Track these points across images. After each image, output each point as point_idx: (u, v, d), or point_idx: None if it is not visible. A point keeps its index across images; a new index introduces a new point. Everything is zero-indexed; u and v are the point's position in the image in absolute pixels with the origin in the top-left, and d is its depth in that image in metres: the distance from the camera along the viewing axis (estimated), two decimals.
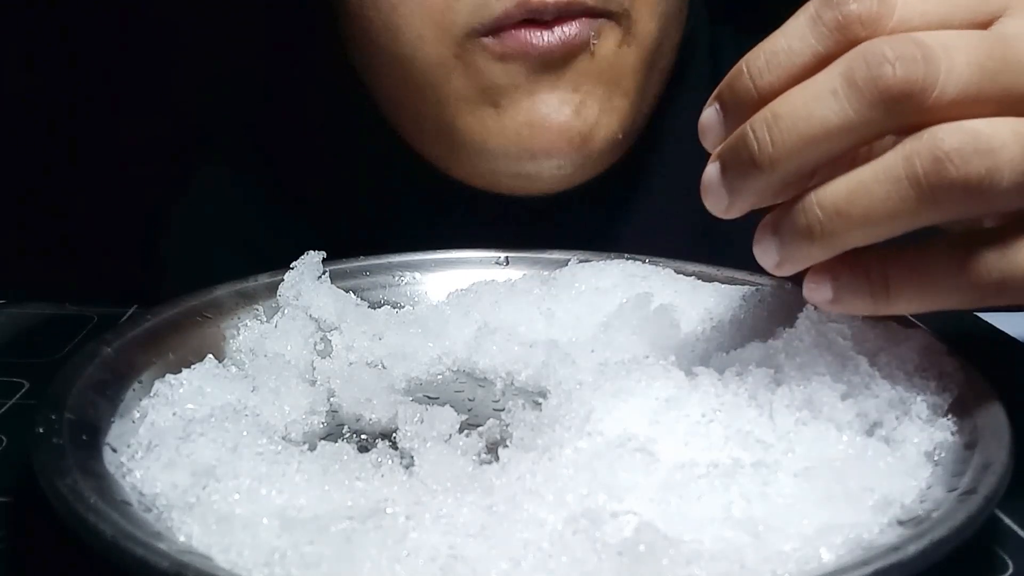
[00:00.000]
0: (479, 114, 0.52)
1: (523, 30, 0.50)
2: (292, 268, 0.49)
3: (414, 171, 0.58)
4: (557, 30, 0.50)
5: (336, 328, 0.49)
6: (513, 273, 0.52)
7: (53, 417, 0.36)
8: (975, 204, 0.32)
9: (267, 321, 0.48)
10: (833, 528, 0.31)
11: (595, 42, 0.51)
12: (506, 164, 0.54)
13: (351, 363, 0.48)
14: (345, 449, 0.37)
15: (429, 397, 0.46)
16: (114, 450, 0.37)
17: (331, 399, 0.45)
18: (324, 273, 0.50)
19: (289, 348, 0.46)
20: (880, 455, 0.34)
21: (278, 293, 0.49)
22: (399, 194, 0.62)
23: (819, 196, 0.33)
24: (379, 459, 0.38)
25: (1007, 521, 0.37)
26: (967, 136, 0.31)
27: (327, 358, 0.48)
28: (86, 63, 0.64)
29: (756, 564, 0.30)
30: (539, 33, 0.50)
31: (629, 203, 0.59)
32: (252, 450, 0.34)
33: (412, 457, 0.39)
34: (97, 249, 0.65)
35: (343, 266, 0.52)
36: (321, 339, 0.49)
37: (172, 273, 0.48)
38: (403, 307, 0.52)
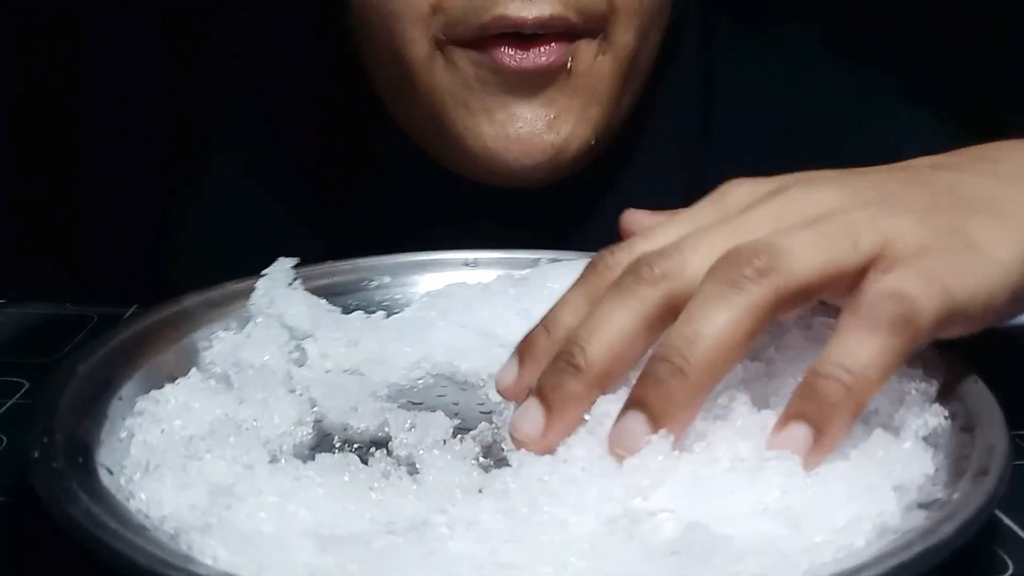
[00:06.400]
0: (460, 113, 0.53)
1: (500, 47, 0.51)
2: (263, 275, 0.48)
3: (415, 165, 0.59)
4: (532, 54, 0.51)
5: (310, 335, 0.47)
6: (482, 274, 0.52)
7: (46, 440, 0.34)
8: None
9: (239, 331, 0.46)
10: (861, 517, 0.32)
11: (571, 65, 0.52)
12: (484, 164, 0.55)
13: (327, 371, 0.47)
14: (352, 460, 0.36)
15: (413, 403, 0.45)
16: (110, 472, 0.35)
17: (314, 408, 0.43)
18: (296, 279, 0.48)
19: (266, 358, 0.45)
20: (889, 443, 0.35)
21: (250, 301, 0.47)
22: (402, 188, 0.63)
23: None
24: (387, 469, 0.37)
25: (1007, 521, 0.38)
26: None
27: (303, 367, 0.47)
28: (86, 62, 0.63)
29: (796, 555, 0.30)
30: (513, 53, 0.51)
31: (614, 193, 0.60)
32: (271, 466, 0.33)
33: (415, 465, 0.38)
34: (97, 249, 0.64)
35: (309, 270, 0.50)
36: (295, 347, 0.47)
37: (178, 271, 0.47)
38: (374, 311, 0.50)
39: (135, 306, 0.53)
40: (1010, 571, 0.35)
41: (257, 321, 0.46)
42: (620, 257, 0.38)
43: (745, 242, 0.35)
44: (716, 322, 0.34)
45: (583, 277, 0.39)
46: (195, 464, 0.34)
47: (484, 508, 0.33)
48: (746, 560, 0.29)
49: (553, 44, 0.51)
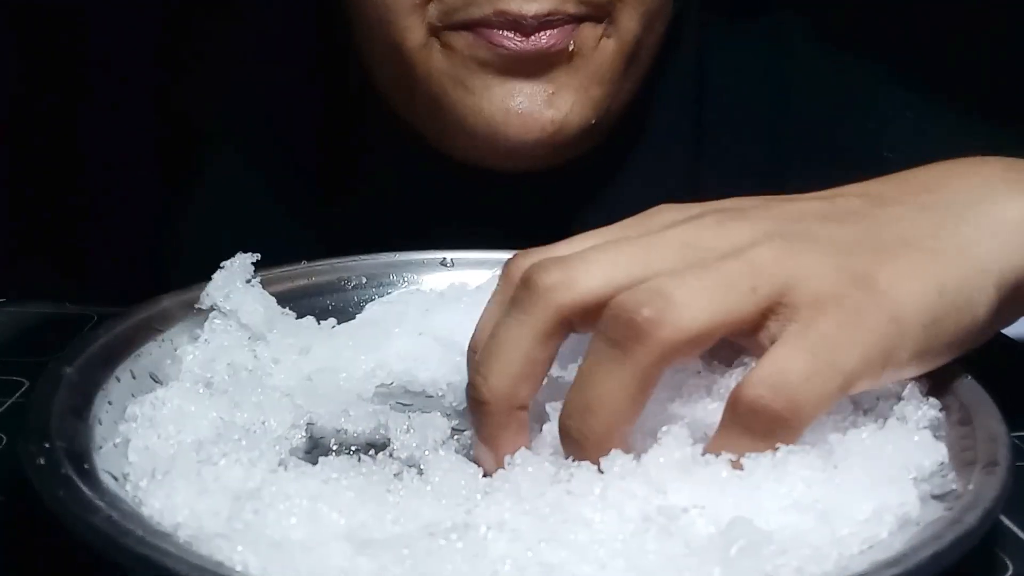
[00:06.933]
0: (459, 93, 0.53)
1: (500, 31, 0.51)
2: (221, 268, 0.45)
3: (416, 161, 0.59)
4: (533, 39, 0.51)
5: (263, 339, 0.45)
6: (459, 274, 0.51)
7: (47, 446, 0.32)
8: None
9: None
10: (884, 508, 0.32)
11: (573, 47, 0.52)
12: (485, 144, 0.55)
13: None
14: (365, 462, 0.35)
15: (403, 404, 0.44)
16: (115, 478, 0.33)
17: (307, 413, 0.42)
18: (255, 277, 0.46)
19: (242, 361, 0.43)
20: (901, 435, 0.36)
21: (204, 292, 0.44)
22: (403, 185, 0.62)
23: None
24: (399, 470, 0.36)
25: (1007, 522, 0.38)
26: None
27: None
28: (85, 62, 0.62)
29: (825, 548, 0.31)
30: (513, 35, 0.51)
31: (611, 189, 0.60)
32: (296, 469, 0.32)
33: (419, 467, 0.37)
34: (97, 249, 0.63)
35: (286, 271, 0.49)
36: (250, 350, 0.45)
37: (178, 270, 0.46)
38: (352, 312, 0.49)
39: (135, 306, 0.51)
40: (1010, 572, 0.35)
41: (215, 323, 0.44)
42: (532, 259, 0.38)
43: (635, 289, 0.34)
44: (606, 392, 0.34)
45: (499, 285, 0.39)
46: (210, 469, 0.32)
47: (506, 508, 0.33)
48: (787, 554, 0.30)
49: (555, 29, 0.51)
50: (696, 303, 0.33)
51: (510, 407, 0.36)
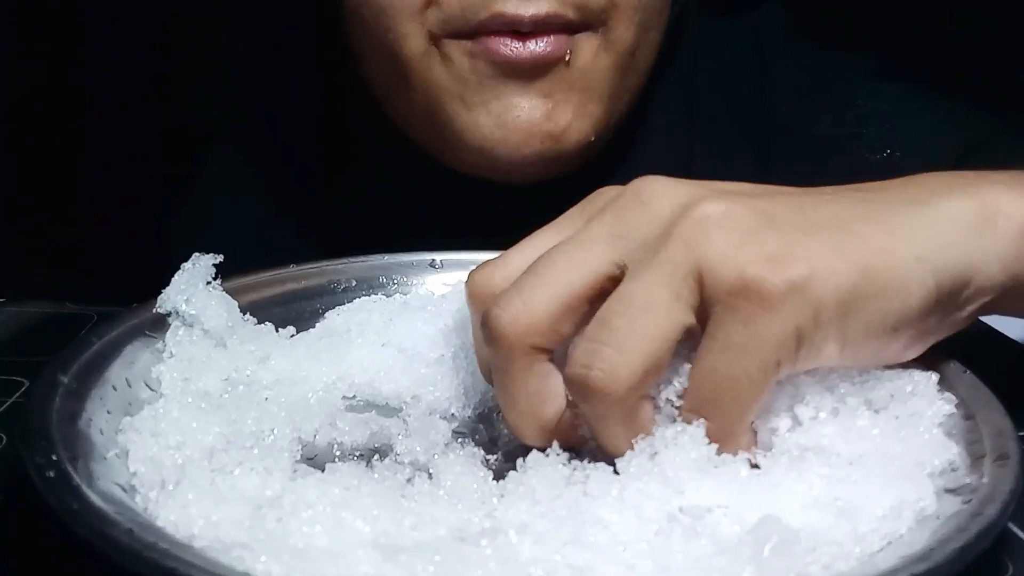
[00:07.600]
0: (456, 107, 0.53)
1: (497, 38, 0.50)
2: (181, 270, 0.44)
3: (411, 163, 0.59)
4: (530, 44, 0.50)
5: (223, 344, 0.43)
6: (447, 276, 0.51)
7: (54, 457, 0.31)
8: None
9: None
10: (902, 504, 0.32)
11: (569, 58, 0.51)
12: (481, 158, 0.54)
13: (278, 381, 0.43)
14: (376, 469, 0.35)
15: (394, 408, 0.44)
16: (124, 490, 0.32)
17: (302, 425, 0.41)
18: (216, 279, 0.44)
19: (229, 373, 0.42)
20: (912, 433, 0.36)
21: (163, 295, 0.43)
22: (398, 187, 0.62)
23: None
24: (411, 476, 0.36)
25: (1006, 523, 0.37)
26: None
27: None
28: (86, 63, 0.61)
29: (848, 544, 0.31)
30: (510, 42, 0.50)
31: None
32: (316, 477, 0.31)
33: (428, 471, 0.37)
34: (97, 249, 0.63)
35: (276, 275, 0.48)
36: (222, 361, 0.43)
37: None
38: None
39: (135, 306, 0.49)
40: (1010, 572, 0.35)
41: (178, 334, 0.42)
42: (485, 277, 0.39)
43: (577, 354, 0.35)
44: (612, 441, 0.35)
45: (470, 309, 0.40)
46: (225, 478, 0.31)
47: (523, 511, 0.33)
48: (815, 552, 0.30)
49: (552, 36, 0.51)
50: (633, 343, 0.34)
51: (548, 435, 0.38)
